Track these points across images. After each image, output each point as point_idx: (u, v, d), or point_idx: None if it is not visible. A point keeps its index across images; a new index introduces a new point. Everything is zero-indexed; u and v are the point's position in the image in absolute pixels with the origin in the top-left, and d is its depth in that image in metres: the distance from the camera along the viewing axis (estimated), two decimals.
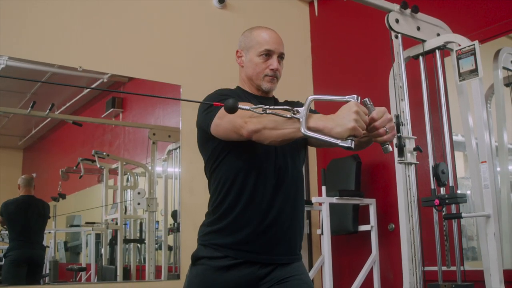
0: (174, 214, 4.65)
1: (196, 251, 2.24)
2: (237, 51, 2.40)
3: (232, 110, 1.72)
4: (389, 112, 1.82)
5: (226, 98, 1.95)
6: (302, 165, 2.40)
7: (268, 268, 2.16)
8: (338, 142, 1.68)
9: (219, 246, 2.16)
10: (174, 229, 4.59)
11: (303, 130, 1.72)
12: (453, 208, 3.57)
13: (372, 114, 1.78)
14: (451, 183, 3.52)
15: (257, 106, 1.77)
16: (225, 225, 2.16)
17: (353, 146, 1.67)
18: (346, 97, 1.73)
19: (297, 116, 1.74)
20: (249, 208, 2.14)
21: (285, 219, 2.19)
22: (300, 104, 2.44)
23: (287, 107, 1.76)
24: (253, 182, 2.16)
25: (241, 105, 1.74)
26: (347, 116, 1.66)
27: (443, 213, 3.55)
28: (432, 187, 3.54)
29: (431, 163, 3.64)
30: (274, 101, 2.42)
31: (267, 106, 1.76)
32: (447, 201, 3.41)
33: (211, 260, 2.16)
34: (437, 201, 3.41)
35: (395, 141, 3.43)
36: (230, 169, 2.19)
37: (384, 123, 1.78)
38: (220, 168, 2.22)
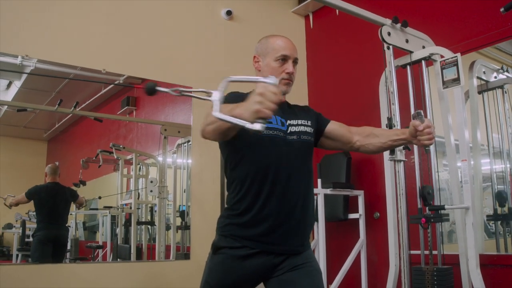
0: (182, 214, 4.58)
1: (216, 241, 2.16)
2: (254, 57, 2.30)
3: (151, 91, 1.64)
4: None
5: (231, 99, 1.93)
6: (311, 163, 2.30)
7: (282, 257, 2.10)
8: (246, 125, 1.48)
9: (238, 237, 2.09)
10: (182, 227, 4.54)
11: (214, 112, 1.52)
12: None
13: (425, 123, 1.99)
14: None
15: (174, 88, 1.63)
16: (246, 221, 2.08)
17: (261, 129, 1.48)
18: (265, 79, 1.53)
19: (209, 98, 1.54)
20: (267, 205, 2.06)
21: (298, 214, 2.12)
22: (310, 110, 2.38)
23: (204, 89, 1.58)
24: (270, 180, 2.07)
25: (160, 87, 1.64)
26: (251, 99, 1.52)
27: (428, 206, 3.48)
28: (419, 206, 3.48)
29: (416, 159, 3.59)
30: (288, 106, 2.32)
31: (183, 89, 1.62)
32: (432, 220, 3.35)
33: (231, 249, 2.09)
34: (423, 220, 3.33)
35: None
36: (248, 168, 2.09)
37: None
38: (239, 168, 2.13)
